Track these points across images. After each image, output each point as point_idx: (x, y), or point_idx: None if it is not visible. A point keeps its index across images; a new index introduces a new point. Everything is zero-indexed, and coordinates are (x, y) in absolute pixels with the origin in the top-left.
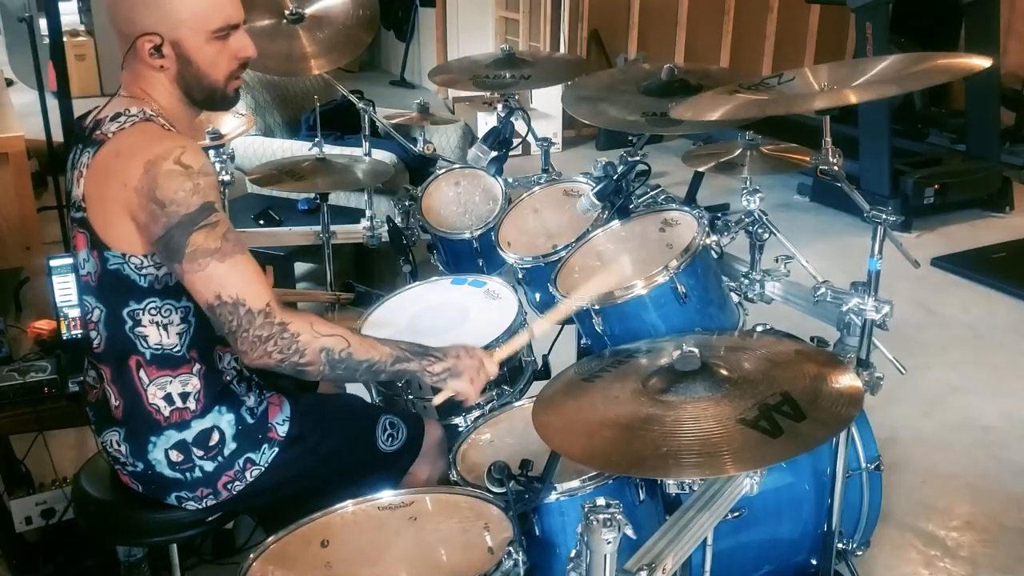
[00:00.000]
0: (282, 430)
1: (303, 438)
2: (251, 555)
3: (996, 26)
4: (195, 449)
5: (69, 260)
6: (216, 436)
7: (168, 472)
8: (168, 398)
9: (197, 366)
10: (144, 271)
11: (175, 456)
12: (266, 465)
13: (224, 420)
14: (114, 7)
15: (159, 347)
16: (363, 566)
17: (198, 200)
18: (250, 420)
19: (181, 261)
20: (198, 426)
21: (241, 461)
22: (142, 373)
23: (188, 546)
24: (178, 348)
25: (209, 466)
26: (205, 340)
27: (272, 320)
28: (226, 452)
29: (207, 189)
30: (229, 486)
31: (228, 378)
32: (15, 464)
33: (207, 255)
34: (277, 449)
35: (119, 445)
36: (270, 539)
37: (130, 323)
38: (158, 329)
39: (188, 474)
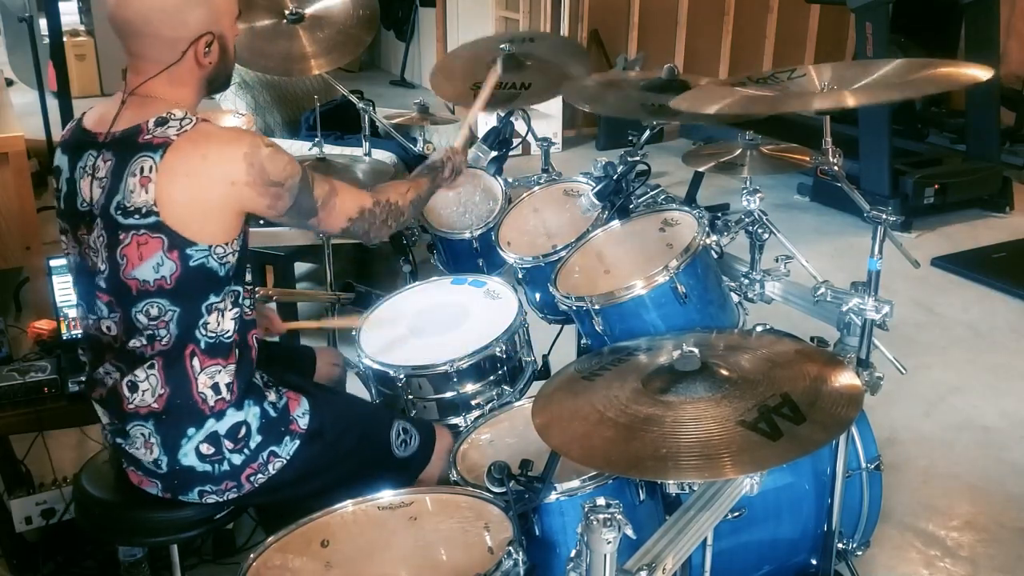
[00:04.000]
0: (303, 422)
1: (323, 434)
2: (251, 555)
3: (996, 26)
4: (226, 441)
5: None
6: (244, 429)
7: (198, 465)
8: (215, 387)
9: (238, 353)
10: (225, 259)
11: (206, 448)
12: (288, 457)
13: (251, 413)
14: (157, 13)
15: (214, 335)
16: (363, 566)
17: (296, 165)
18: (273, 414)
19: (317, 213)
20: (231, 418)
21: (265, 454)
22: (195, 361)
23: (188, 546)
24: (230, 334)
25: (237, 459)
26: (245, 323)
27: (382, 203)
28: (252, 445)
29: (292, 156)
30: (252, 478)
31: (254, 367)
32: (15, 464)
33: (331, 196)
34: (299, 442)
35: (148, 438)
36: (270, 539)
37: (205, 316)
38: (218, 317)
39: (217, 467)
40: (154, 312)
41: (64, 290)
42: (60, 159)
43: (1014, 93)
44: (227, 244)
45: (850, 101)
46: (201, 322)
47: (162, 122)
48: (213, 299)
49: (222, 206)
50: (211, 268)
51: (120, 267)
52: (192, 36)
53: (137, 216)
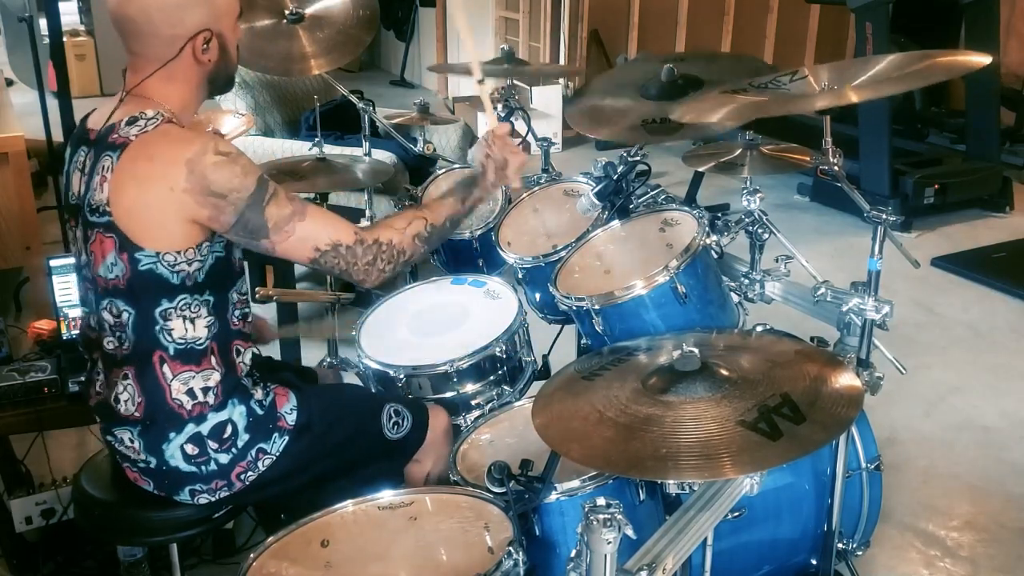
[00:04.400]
0: (291, 419)
1: (311, 427)
2: (251, 555)
3: (996, 26)
4: (210, 442)
5: (69, 260)
6: (229, 429)
7: (184, 466)
8: (191, 392)
9: (215, 359)
10: (177, 267)
11: (190, 449)
12: (278, 454)
13: (236, 412)
14: (157, 11)
15: (183, 341)
16: (363, 566)
17: (252, 179)
18: (260, 411)
19: (268, 235)
20: (213, 419)
21: (254, 451)
22: (165, 368)
23: (188, 546)
24: (202, 342)
25: (224, 458)
26: (226, 334)
27: (367, 243)
28: (239, 444)
29: (251, 167)
30: (242, 476)
31: (242, 372)
32: (15, 464)
33: (288, 220)
34: (288, 438)
35: (132, 442)
36: (270, 539)
37: (161, 322)
38: (185, 323)
39: (204, 467)
40: (114, 311)
41: (64, 290)
42: (66, 155)
43: (1014, 93)
44: (179, 252)
45: (852, 97)
46: (158, 328)
47: (132, 121)
48: (166, 304)
49: (166, 212)
50: (160, 275)
51: (91, 263)
52: (190, 33)
53: (97, 214)
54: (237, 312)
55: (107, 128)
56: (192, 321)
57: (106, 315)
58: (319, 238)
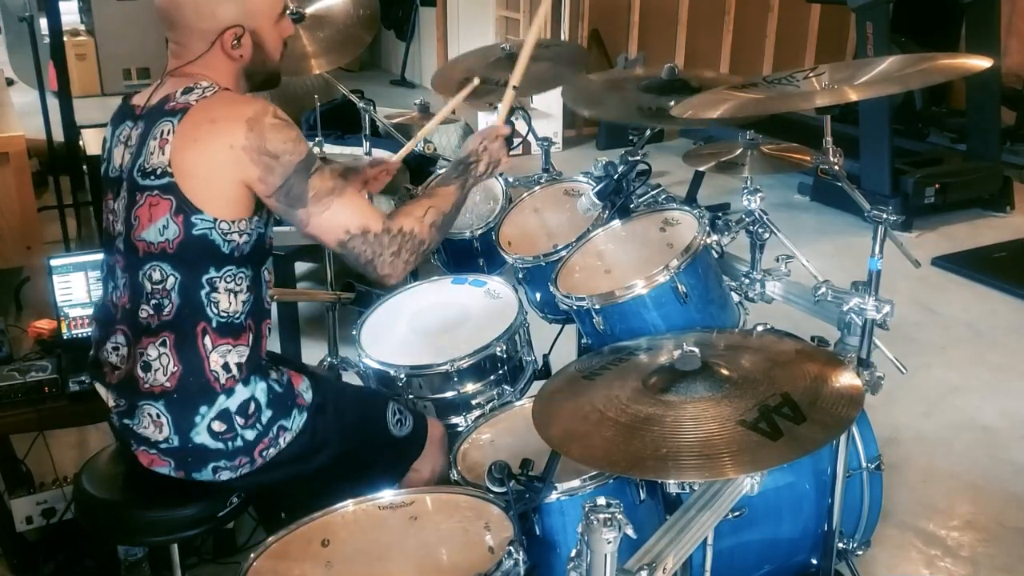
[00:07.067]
0: (308, 396)
1: (325, 409)
2: (252, 554)
3: (996, 25)
4: (237, 418)
5: (70, 259)
6: (253, 405)
7: (211, 443)
8: (226, 366)
9: (250, 336)
10: (229, 236)
11: (218, 426)
12: (297, 430)
13: (258, 388)
14: (192, 5)
15: (226, 314)
16: (363, 566)
17: (304, 148)
18: (279, 389)
19: (307, 205)
20: (240, 395)
21: (275, 428)
22: (207, 339)
23: (189, 546)
24: (240, 316)
25: (250, 434)
26: (260, 311)
27: (393, 232)
28: (263, 420)
29: (303, 138)
30: (264, 452)
31: (264, 351)
32: (15, 464)
33: (328, 194)
34: (306, 415)
35: (158, 418)
36: (270, 538)
37: (207, 289)
38: (229, 296)
39: (230, 443)
40: (156, 276)
41: (64, 290)
42: (107, 132)
43: (1014, 92)
44: (233, 222)
45: (852, 95)
46: (204, 294)
47: (188, 90)
48: (213, 273)
49: (222, 172)
50: (213, 241)
51: (132, 228)
52: (220, 28)
53: (152, 177)
54: (267, 291)
55: (161, 99)
56: (235, 294)
57: (145, 281)
58: (351, 221)
